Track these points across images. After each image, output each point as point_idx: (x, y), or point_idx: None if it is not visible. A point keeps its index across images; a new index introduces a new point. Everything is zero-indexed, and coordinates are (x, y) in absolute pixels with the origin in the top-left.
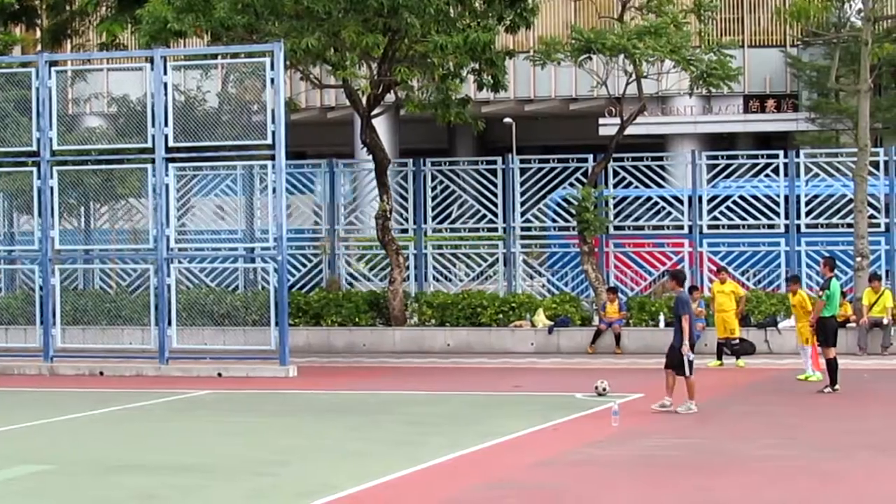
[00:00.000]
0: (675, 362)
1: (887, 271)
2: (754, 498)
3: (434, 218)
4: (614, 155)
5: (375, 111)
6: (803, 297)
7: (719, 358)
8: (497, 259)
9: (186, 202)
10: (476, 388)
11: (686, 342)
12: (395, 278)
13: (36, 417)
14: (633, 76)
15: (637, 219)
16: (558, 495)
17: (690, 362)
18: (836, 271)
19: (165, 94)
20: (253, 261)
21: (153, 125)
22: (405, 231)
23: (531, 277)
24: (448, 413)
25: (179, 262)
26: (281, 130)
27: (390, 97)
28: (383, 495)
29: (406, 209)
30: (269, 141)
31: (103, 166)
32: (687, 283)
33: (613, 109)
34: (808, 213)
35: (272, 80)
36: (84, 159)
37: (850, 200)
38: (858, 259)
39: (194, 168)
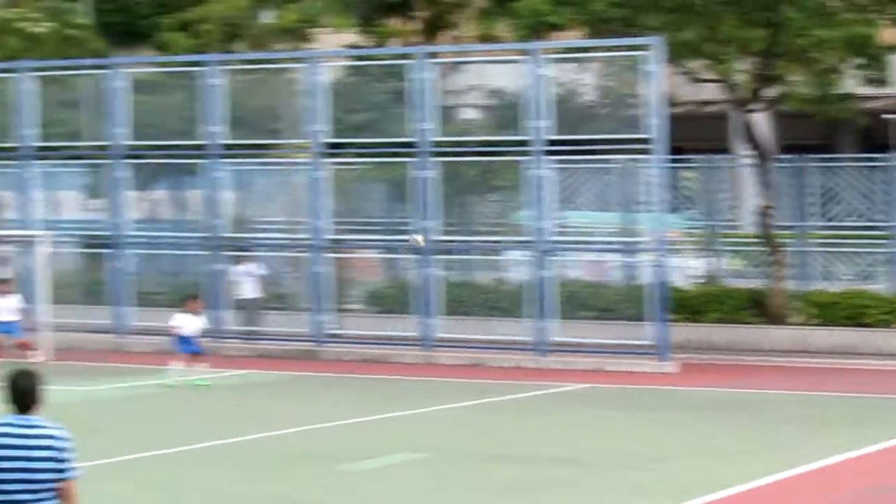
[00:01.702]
0: None
1: None
2: None
3: (814, 215)
4: None
5: (754, 106)
6: None
7: None
8: (885, 258)
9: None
10: (861, 391)
11: None
12: (776, 275)
13: (414, 406)
14: None
15: None
16: None
17: None
18: None
19: (542, 87)
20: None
21: (530, 118)
22: (784, 227)
23: None
24: (830, 415)
25: (558, 254)
26: (660, 124)
27: (769, 92)
28: (765, 495)
29: (784, 205)
30: (645, 135)
31: (480, 158)
32: None
33: None
34: None
35: (650, 74)
36: (460, 150)
37: None
38: None
39: (571, 161)
